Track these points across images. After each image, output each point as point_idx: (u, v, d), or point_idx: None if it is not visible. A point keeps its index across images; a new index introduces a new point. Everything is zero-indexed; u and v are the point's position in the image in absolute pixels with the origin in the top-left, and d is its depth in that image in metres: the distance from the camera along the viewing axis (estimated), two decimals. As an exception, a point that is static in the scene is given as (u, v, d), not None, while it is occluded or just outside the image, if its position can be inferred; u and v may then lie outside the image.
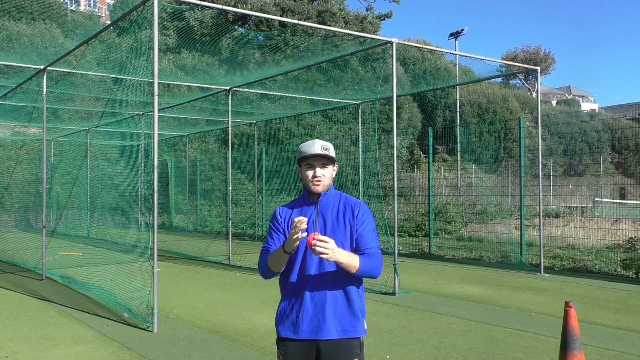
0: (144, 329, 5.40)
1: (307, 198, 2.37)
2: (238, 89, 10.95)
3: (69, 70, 9.03)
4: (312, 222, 2.30)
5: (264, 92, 12.85)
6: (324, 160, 2.31)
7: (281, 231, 2.36)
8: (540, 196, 9.18)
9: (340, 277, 2.25)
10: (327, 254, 2.06)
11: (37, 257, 9.28)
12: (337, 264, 2.17)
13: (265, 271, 2.32)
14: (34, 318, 5.92)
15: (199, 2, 6.56)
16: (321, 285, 2.25)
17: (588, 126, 27.95)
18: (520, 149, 10.20)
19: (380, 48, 11.89)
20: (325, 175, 2.32)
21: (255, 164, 15.32)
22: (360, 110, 12.53)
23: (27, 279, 8.45)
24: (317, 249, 2.05)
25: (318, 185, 2.31)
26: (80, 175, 15.41)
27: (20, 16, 23.68)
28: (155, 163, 5.64)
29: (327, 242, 2.06)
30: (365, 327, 2.34)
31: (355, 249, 2.29)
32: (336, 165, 2.41)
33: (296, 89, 15.92)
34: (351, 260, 2.17)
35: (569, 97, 57.86)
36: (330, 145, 2.35)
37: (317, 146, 2.30)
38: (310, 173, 2.31)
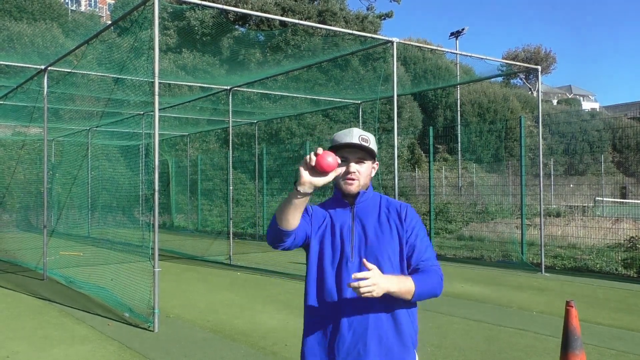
0: (145, 329, 5.40)
1: (340, 199, 1.92)
2: (239, 89, 10.93)
3: (70, 70, 9.03)
4: (347, 229, 1.88)
5: (265, 91, 12.84)
6: (361, 153, 1.87)
7: (308, 219, 1.91)
8: (541, 195, 9.17)
9: (387, 294, 1.78)
10: (371, 291, 1.66)
11: (38, 257, 9.28)
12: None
13: (273, 230, 1.81)
14: (35, 318, 5.92)
15: (199, 2, 6.56)
16: (362, 305, 1.81)
17: (589, 125, 27.90)
18: (521, 148, 10.18)
19: (381, 47, 11.88)
20: (361, 172, 1.88)
21: (256, 163, 15.31)
22: (361, 110, 12.50)
23: (28, 278, 8.46)
24: (359, 290, 1.65)
25: (351, 184, 1.87)
26: (81, 175, 15.41)
27: (21, 16, 23.69)
28: (156, 163, 5.63)
29: (366, 278, 1.65)
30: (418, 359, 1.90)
31: (408, 264, 1.89)
32: (377, 162, 1.97)
33: (297, 88, 15.90)
34: (404, 285, 1.75)
35: (569, 97, 57.76)
36: (370, 137, 1.90)
37: (354, 135, 1.85)
38: (343, 168, 1.87)
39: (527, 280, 8.22)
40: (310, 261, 1.94)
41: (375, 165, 1.97)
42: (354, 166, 1.89)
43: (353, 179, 1.89)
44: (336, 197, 1.97)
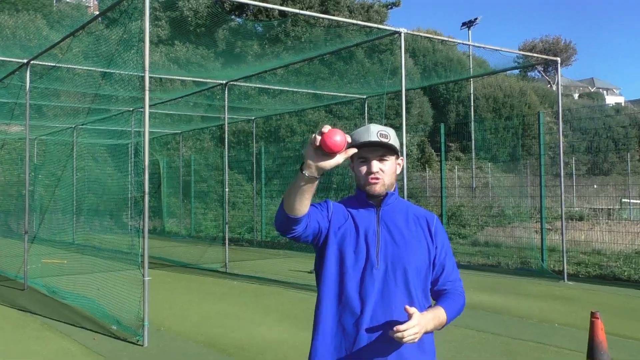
0: (134, 343, 5.36)
1: (364, 200, 1.93)
2: (235, 83, 10.92)
3: (54, 64, 9.03)
4: (373, 233, 1.88)
5: (263, 86, 12.83)
6: (382, 150, 1.88)
7: (325, 212, 1.90)
8: (562, 197, 9.13)
9: (410, 305, 1.82)
10: (414, 339, 1.73)
11: (18, 265, 9.26)
12: (408, 287, 1.85)
13: (280, 215, 1.78)
14: (14, 331, 5.90)
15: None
16: (383, 316, 1.81)
17: (613, 121, 27.81)
18: (540, 146, 10.14)
19: (388, 39, 11.87)
20: (384, 171, 1.89)
21: (254, 163, 15.28)
22: (366, 105, 12.51)
23: (8, 288, 8.44)
24: (403, 340, 1.70)
25: (375, 184, 1.88)
26: (66, 177, 15.41)
27: (2, 7, 23.77)
28: (146, 163, 5.64)
29: (410, 327, 1.71)
30: None
31: (433, 282, 1.95)
32: (401, 157, 1.99)
33: (297, 82, 15.86)
34: (438, 320, 1.86)
35: (592, 90, 57.63)
36: (390, 131, 1.92)
37: (372, 132, 1.87)
38: (364, 169, 1.90)
39: (548, 289, 8.18)
40: (327, 265, 1.89)
41: (400, 161, 1.97)
42: (375, 165, 1.88)
43: (377, 179, 1.89)
44: (359, 197, 1.95)
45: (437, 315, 1.85)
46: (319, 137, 1.61)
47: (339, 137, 1.60)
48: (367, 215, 1.92)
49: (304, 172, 1.64)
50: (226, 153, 11.13)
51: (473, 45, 10.05)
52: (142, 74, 5.67)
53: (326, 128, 1.62)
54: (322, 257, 1.92)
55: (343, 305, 1.84)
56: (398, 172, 1.96)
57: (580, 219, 13.58)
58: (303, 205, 1.72)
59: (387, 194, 1.92)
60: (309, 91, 14.18)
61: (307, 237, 1.87)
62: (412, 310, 1.75)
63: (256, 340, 5.47)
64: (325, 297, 1.87)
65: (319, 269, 1.93)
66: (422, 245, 1.91)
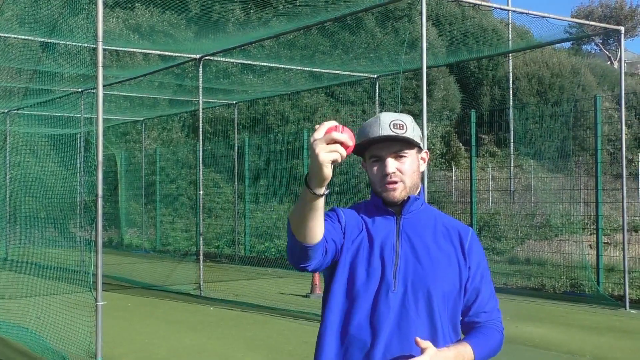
0: (83, 385, 5.40)
1: (381, 207, 1.96)
2: (212, 58, 10.97)
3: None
4: (391, 247, 1.91)
5: (247, 62, 12.87)
6: (398, 145, 1.89)
7: (338, 225, 1.92)
8: (624, 203, 9.14)
9: (433, 339, 1.83)
10: None
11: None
12: (432, 316, 1.85)
13: (295, 247, 1.78)
14: None
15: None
16: (399, 351, 1.82)
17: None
18: (597, 139, 10.17)
19: (405, 2, 11.95)
20: (404, 171, 1.90)
21: (236, 159, 15.31)
22: (377, 87, 12.54)
23: None
24: None
25: (394, 189, 1.90)
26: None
27: None
28: (100, 159, 5.67)
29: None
30: None
31: (464, 312, 1.95)
32: (426, 151, 2.02)
33: (291, 57, 15.92)
34: (462, 359, 1.83)
35: (663, 69, 57.73)
36: (407, 119, 1.93)
37: (384, 124, 1.88)
38: (377, 169, 1.91)
39: (606, 318, 8.23)
40: (334, 287, 1.92)
41: (425, 155, 2.01)
42: (391, 164, 1.89)
43: (395, 182, 1.90)
44: (375, 202, 1.98)
45: (460, 353, 1.82)
46: (350, 144, 1.59)
47: (347, 135, 1.60)
48: (384, 225, 1.94)
49: (318, 191, 1.61)
50: (200, 146, 11.15)
51: (513, 11, 10.12)
52: (94, 46, 5.70)
53: (331, 128, 1.58)
54: (330, 277, 1.95)
55: (350, 336, 1.86)
56: (422, 168, 1.99)
57: (647, 230, 13.64)
58: (321, 225, 1.74)
59: (409, 198, 1.94)
60: (305, 69, 14.22)
61: (328, 263, 1.90)
62: (424, 344, 1.75)
63: (238, 382, 5.50)
64: (329, 326, 1.89)
65: (325, 292, 1.96)
66: (453, 265, 1.92)
